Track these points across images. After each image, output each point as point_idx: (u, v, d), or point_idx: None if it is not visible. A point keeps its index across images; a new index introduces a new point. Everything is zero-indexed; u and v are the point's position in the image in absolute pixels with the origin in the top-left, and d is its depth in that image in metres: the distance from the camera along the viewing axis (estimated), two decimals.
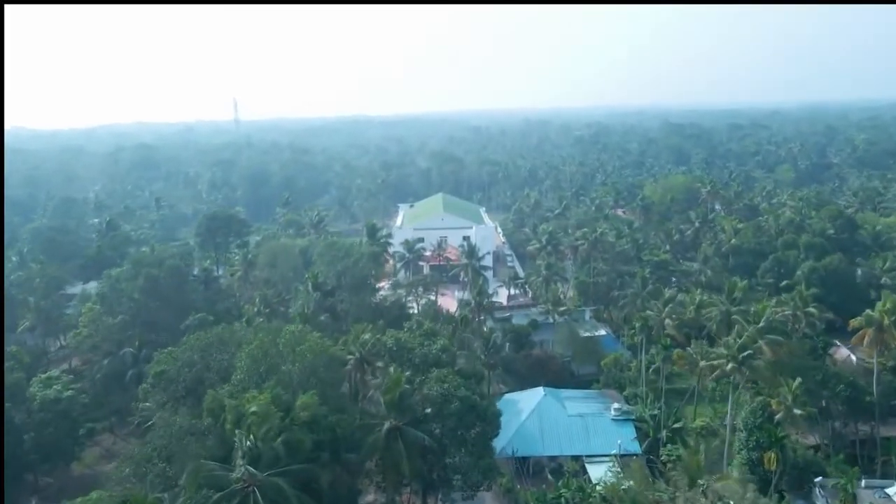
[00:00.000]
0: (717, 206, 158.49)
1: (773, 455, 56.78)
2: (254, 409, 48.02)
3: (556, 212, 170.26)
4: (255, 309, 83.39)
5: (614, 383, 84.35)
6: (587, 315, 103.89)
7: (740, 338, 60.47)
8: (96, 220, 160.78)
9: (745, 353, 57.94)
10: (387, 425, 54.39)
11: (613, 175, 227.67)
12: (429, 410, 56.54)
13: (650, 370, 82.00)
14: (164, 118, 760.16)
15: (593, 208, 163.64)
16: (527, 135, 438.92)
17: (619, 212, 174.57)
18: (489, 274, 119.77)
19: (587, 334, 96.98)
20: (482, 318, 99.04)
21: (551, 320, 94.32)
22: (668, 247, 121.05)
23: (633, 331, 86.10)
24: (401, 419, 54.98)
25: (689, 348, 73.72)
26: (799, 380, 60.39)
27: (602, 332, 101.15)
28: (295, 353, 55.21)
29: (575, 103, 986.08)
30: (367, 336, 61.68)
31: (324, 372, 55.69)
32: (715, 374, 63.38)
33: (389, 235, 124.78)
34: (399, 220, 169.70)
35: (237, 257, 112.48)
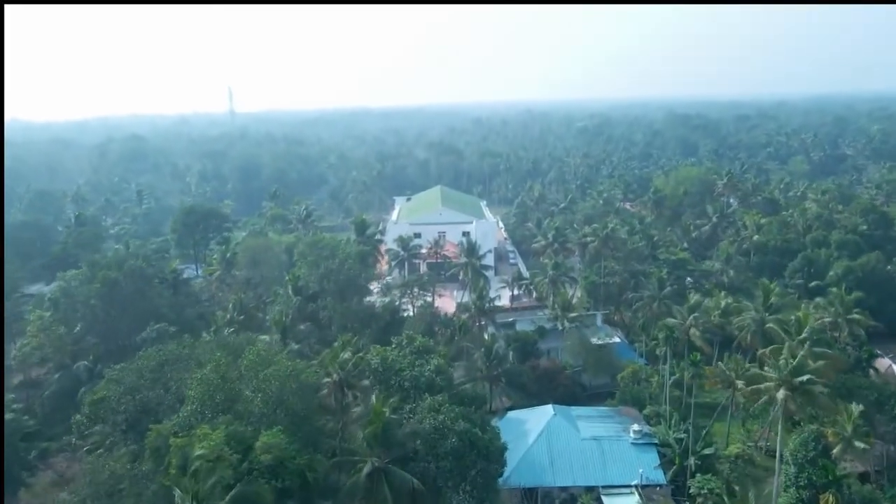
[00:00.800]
0: (733, 200, 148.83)
1: (830, 498, 47.48)
2: (200, 452, 38.70)
3: (562, 205, 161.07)
4: (228, 316, 73.98)
5: (632, 399, 75.01)
6: (599, 319, 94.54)
7: (794, 358, 50.69)
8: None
9: (804, 379, 48.20)
10: (368, 466, 45.10)
11: (620, 167, 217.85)
12: (419, 443, 47.30)
13: (671, 381, 72.65)
14: (160, 110, 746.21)
15: (601, 202, 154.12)
16: (528, 126, 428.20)
17: (627, 206, 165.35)
18: (490, 273, 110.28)
19: (599, 342, 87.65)
20: (483, 323, 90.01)
21: (560, 327, 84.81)
22: (685, 244, 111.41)
23: (654, 341, 76.70)
24: (385, 457, 45.70)
25: (721, 364, 64.23)
26: (860, 406, 50.99)
27: (615, 338, 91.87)
28: (259, 380, 45.72)
29: (576, 95, 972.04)
30: (347, 355, 52.14)
31: (294, 400, 46.23)
32: (761, 400, 53.90)
33: (381, 231, 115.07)
34: (395, 215, 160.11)
35: (216, 256, 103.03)
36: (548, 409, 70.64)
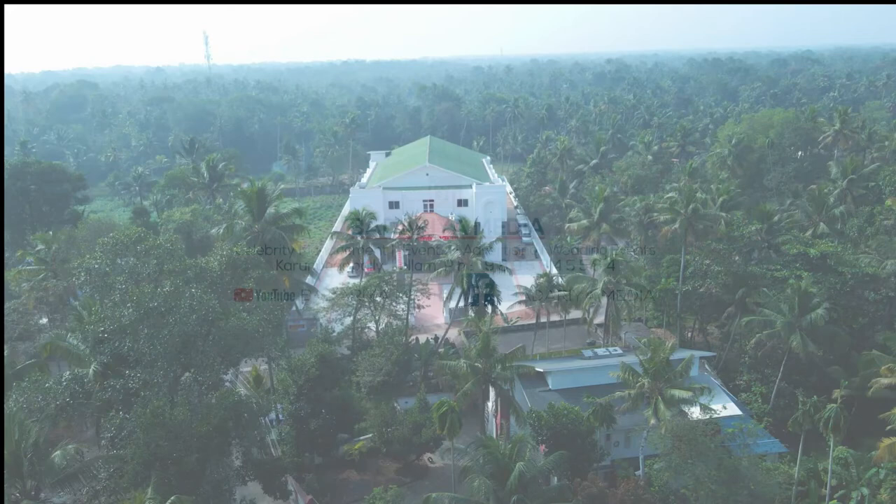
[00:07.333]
0: (836, 154, 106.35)
1: None
2: None
3: (593, 162, 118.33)
4: None
5: None
6: (696, 367, 52.84)
7: None
8: None
9: None
10: None
11: (658, 114, 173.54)
12: None
13: None
14: (148, 62, 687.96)
15: (650, 157, 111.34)
16: (536, 74, 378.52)
17: (674, 161, 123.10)
18: (498, 274, 67.67)
19: (702, 413, 45.78)
20: (494, 378, 48.43)
21: (653, 420, 42.71)
22: (823, 226, 68.92)
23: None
24: None
25: None
26: None
27: (731, 403, 50.87)
28: None
29: (580, 49, 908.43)
30: None
31: None
32: None
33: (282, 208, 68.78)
34: (366, 176, 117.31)
35: (40, 248, 60.98)
36: None
